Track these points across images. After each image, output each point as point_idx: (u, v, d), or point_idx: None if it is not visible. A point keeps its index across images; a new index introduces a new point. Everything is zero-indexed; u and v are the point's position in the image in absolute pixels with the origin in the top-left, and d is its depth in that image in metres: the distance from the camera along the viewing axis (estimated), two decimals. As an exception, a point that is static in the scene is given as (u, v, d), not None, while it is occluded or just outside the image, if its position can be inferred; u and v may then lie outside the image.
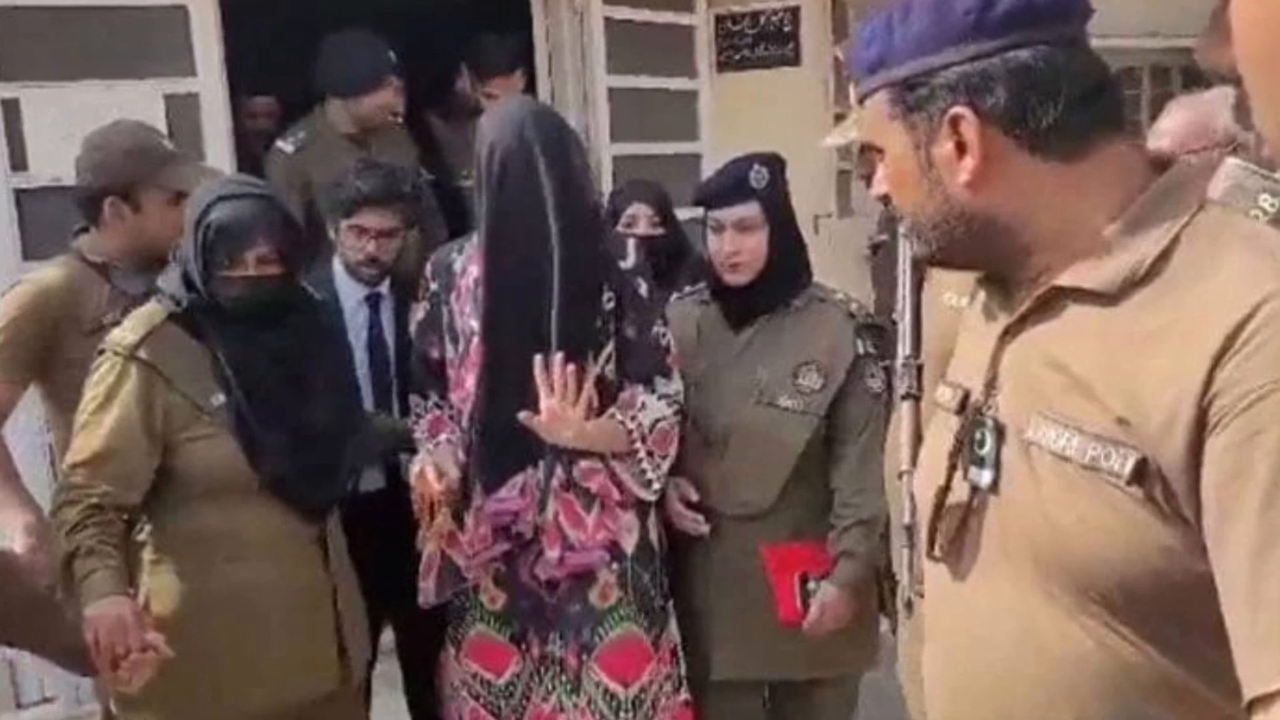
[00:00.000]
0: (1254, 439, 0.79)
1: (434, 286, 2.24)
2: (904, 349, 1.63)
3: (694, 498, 2.28)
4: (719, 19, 4.52)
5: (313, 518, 2.09)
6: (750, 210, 2.24)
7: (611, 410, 2.14)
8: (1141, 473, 0.86)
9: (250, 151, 3.64)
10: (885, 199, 1.56)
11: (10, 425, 2.28)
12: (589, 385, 2.03)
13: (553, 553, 2.13)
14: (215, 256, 1.97)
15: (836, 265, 3.76)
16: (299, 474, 2.03)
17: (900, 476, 1.58)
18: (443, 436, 2.18)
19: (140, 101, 3.02)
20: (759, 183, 2.25)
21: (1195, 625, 0.86)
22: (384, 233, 2.52)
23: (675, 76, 4.24)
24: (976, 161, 0.96)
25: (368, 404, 2.45)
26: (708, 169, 3.81)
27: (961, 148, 0.97)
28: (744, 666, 2.30)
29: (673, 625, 2.29)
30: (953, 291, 1.57)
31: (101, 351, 2.00)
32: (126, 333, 1.99)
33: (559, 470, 2.13)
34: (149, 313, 2.03)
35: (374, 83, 3.34)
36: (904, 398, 1.61)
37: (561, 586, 2.17)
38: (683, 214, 2.92)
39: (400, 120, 3.63)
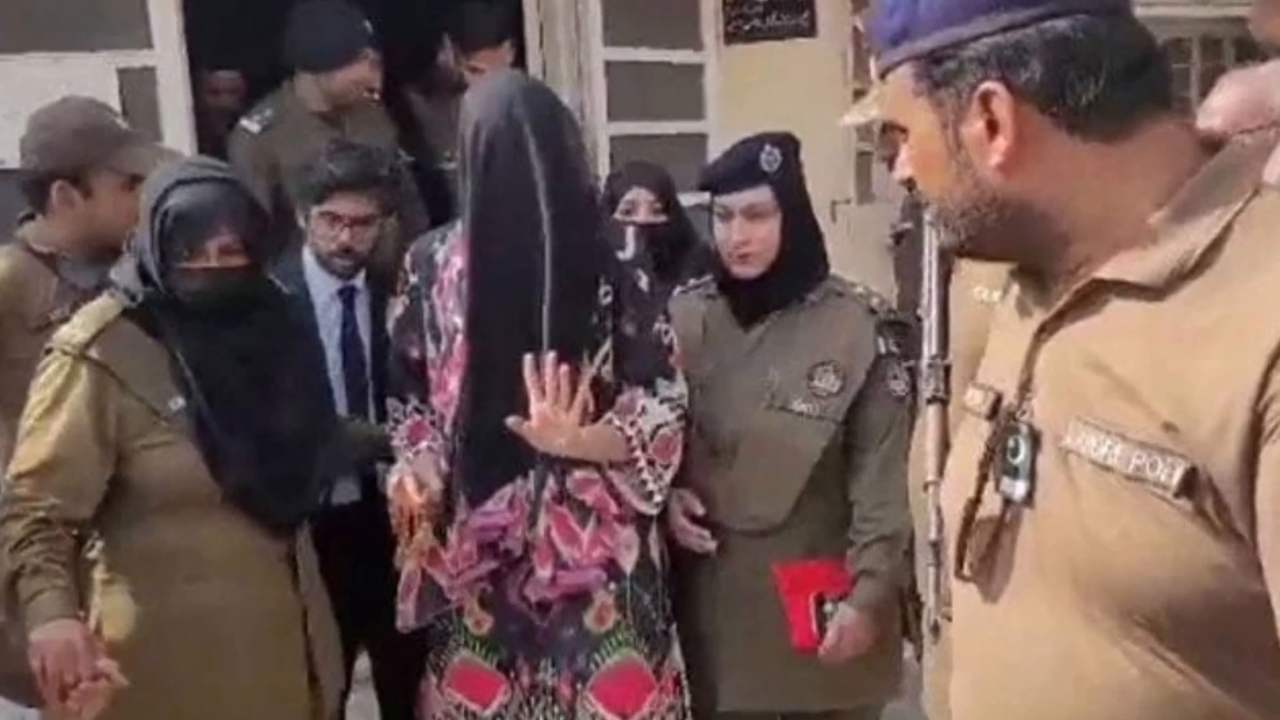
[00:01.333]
0: (1315, 447, 0.79)
1: (414, 279, 2.24)
2: (930, 348, 1.63)
3: (699, 511, 2.28)
4: (727, -14, 4.52)
5: (281, 533, 2.09)
6: (761, 196, 2.24)
7: (609, 415, 2.14)
8: (1190, 484, 0.86)
9: (212, 131, 3.64)
10: (909, 183, 1.57)
11: (-52, 432, 2.28)
12: (584, 388, 2.03)
13: (544, 572, 2.13)
14: (173, 246, 1.97)
15: (856, 256, 3.77)
16: (266, 485, 2.03)
17: (926, 488, 1.58)
18: (423, 444, 2.19)
19: (91, 76, 3.02)
20: (771, 165, 2.25)
21: (1249, 651, 0.86)
22: (359, 220, 2.52)
23: (679, 49, 4.24)
24: (1009, 142, 0.96)
25: (341, 408, 2.45)
26: (714, 150, 3.81)
27: (993, 127, 0.96)
28: (754, 696, 2.30)
29: (676, 651, 2.29)
30: (983, 285, 1.57)
31: (49, 351, 2.00)
32: (76, 330, 1.99)
33: (551, 481, 2.13)
34: (101, 308, 2.03)
35: (348, 56, 3.34)
36: (930, 401, 1.61)
37: (554, 609, 2.17)
38: (687, 200, 2.92)
39: (377, 97, 3.63)
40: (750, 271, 2.28)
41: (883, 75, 1.05)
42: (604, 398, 2.15)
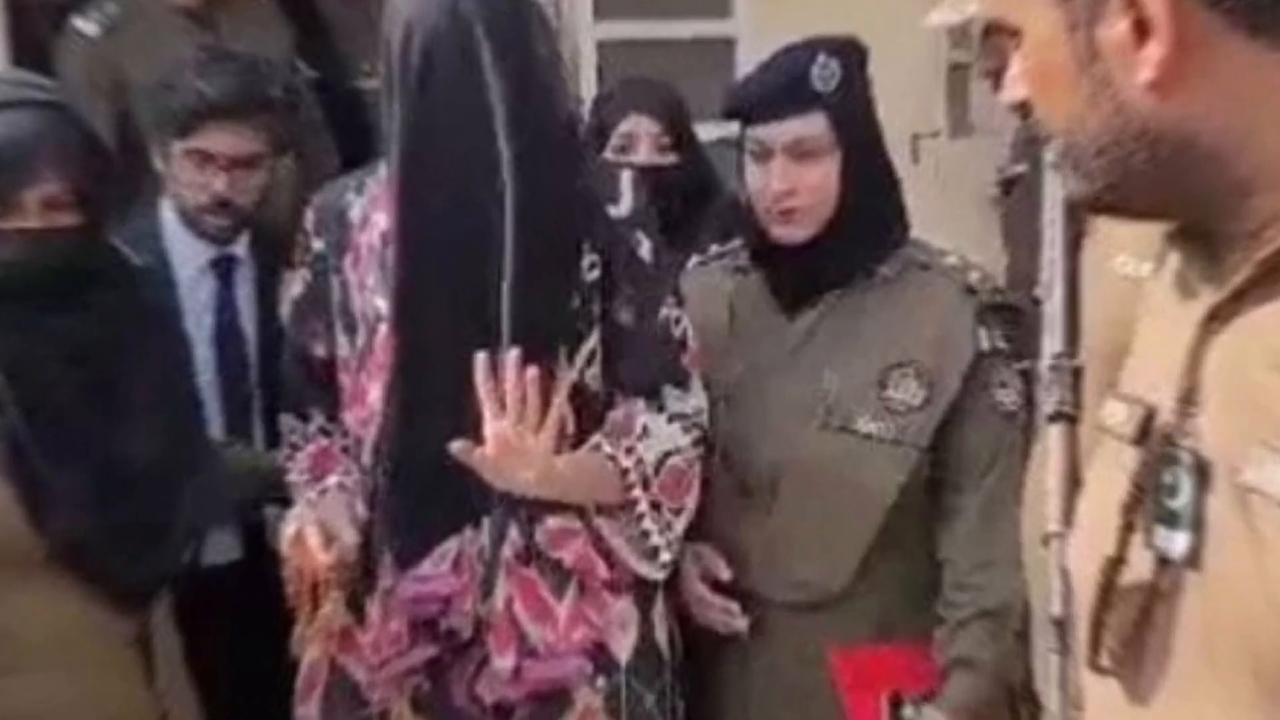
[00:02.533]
0: None
1: (318, 245, 2.25)
2: (1053, 343, 1.64)
3: (725, 576, 2.29)
4: None
5: (129, 606, 2.10)
6: (812, 126, 2.25)
7: (596, 439, 2.14)
8: None
9: (32, 34, 3.64)
10: (1023, 108, 1.57)
11: None
12: (560, 400, 2.04)
13: (504, 661, 2.13)
14: (-23, 198, 1.98)
15: (947, 211, 3.77)
16: (107, 538, 2.04)
17: (1046, 542, 1.59)
18: (332, 480, 2.19)
19: None
20: (825, 84, 2.25)
21: None
22: (240, 161, 2.53)
23: (695, -82, 4.25)
24: (1166, 49, 0.96)
25: (215, 428, 2.46)
26: (745, 63, 3.81)
27: (1142, 29, 0.96)
28: (802, 836, 2.31)
29: (691, 773, 2.30)
30: (1128, 254, 1.57)
31: None
32: None
33: (514, 533, 2.14)
34: (-126, 286, 2.03)
35: (224, -73, 3.35)
36: (1053, 419, 1.61)
37: (518, 713, 2.17)
38: (706, 133, 2.92)
39: (266, -14, 3.64)
40: (797, 234, 2.28)
41: (985, -45, 1.06)
42: (589, 413, 2.15)
